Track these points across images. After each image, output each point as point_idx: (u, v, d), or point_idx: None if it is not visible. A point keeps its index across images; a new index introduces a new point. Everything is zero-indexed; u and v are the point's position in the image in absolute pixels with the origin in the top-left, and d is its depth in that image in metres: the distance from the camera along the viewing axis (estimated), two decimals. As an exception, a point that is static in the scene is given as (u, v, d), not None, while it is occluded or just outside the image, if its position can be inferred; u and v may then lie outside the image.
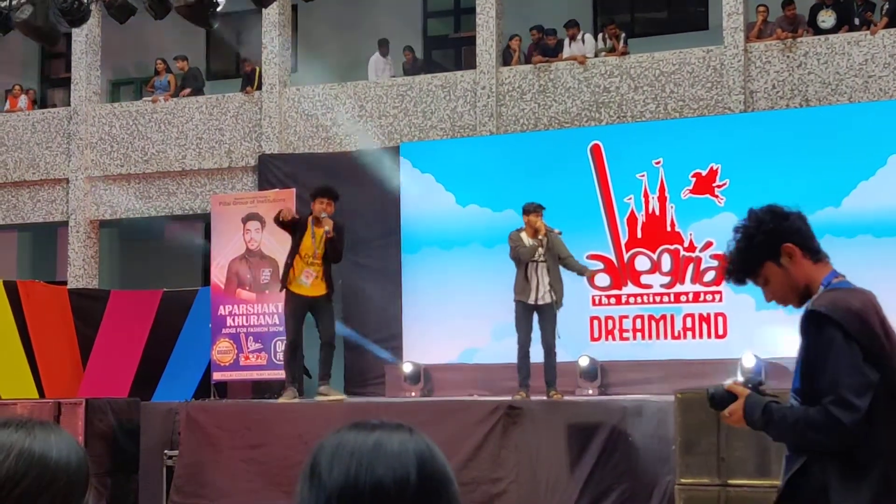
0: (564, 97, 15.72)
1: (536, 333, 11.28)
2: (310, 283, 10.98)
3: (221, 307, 14.67)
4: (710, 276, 13.83)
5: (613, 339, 14.34)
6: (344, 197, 15.41)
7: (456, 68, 18.34)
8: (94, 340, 15.26)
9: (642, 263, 14.36)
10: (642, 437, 9.58)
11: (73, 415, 10.32)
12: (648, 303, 14.25)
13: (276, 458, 9.96)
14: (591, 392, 13.25)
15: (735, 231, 3.96)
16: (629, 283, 14.39)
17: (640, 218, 14.44)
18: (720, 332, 13.54)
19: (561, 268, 11.30)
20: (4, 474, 1.75)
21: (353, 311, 15.70)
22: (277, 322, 13.91)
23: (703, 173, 14.25)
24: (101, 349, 15.16)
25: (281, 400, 11.02)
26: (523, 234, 11.31)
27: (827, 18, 15.24)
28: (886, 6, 14.84)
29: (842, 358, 3.61)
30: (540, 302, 11.16)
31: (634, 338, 14.25)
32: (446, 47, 20.25)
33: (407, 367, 14.55)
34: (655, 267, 14.32)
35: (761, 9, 15.36)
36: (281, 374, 12.51)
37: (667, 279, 14.18)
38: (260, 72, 17.48)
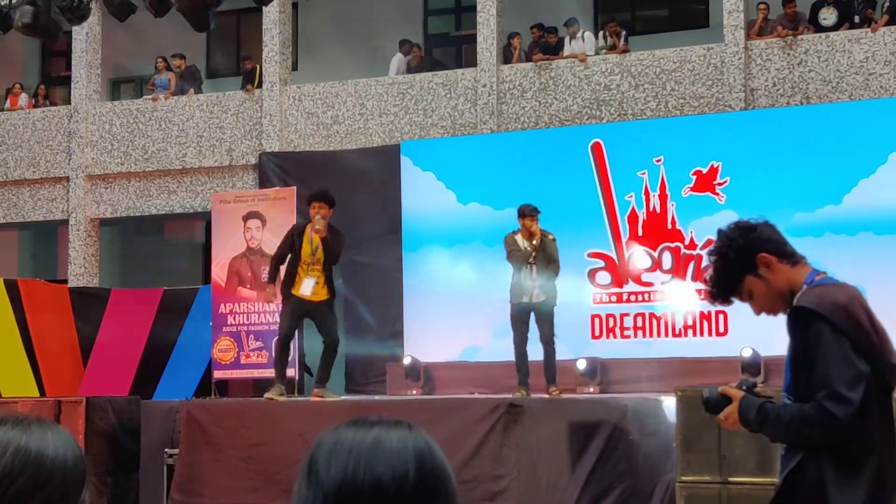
0: (565, 95, 15.71)
1: (535, 333, 11.29)
2: (311, 290, 10.99)
3: (222, 305, 14.66)
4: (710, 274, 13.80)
5: (614, 336, 14.32)
6: (344, 195, 15.44)
7: (457, 66, 18.34)
8: (94, 339, 15.25)
9: (643, 261, 14.35)
10: (643, 435, 9.57)
11: (74, 413, 10.31)
12: (649, 301, 14.24)
13: (277, 457, 9.96)
14: (591, 390, 13.24)
15: (709, 255, 3.99)
16: (630, 281, 14.38)
17: (641, 216, 14.43)
18: (721, 329, 13.52)
19: (565, 267, 11.32)
20: (0, 472, 1.74)
21: (354, 309, 15.69)
22: (278, 320, 13.90)
23: (704, 171, 14.24)
24: (102, 347, 15.16)
25: (267, 396, 11.02)
26: (518, 237, 11.33)
27: (828, 16, 15.23)
28: (887, 4, 14.83)
29: (832, 352, 3.63)
30: (535, 300, 11.18)
31: (635, 336, 14.24)
32: (447, 45, 20.24)
33: (406, 360, 14.53)
34: (656, 265, 14.31)
35: (762, 6, 15.35)
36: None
37: (667, 277, 14.17)
38: (260, 70, 17.48)
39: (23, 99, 19.36)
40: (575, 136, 15.05)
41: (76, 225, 18.08)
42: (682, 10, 18.57)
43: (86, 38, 18.30)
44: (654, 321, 14.11)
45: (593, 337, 14.30)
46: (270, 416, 10.49)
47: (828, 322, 3.66)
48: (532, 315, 11.25)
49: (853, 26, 14.90)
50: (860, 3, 15.08)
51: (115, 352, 14.92)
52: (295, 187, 14.82)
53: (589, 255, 14.37)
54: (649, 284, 14.29)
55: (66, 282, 17.54)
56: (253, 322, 14.53)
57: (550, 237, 11.33)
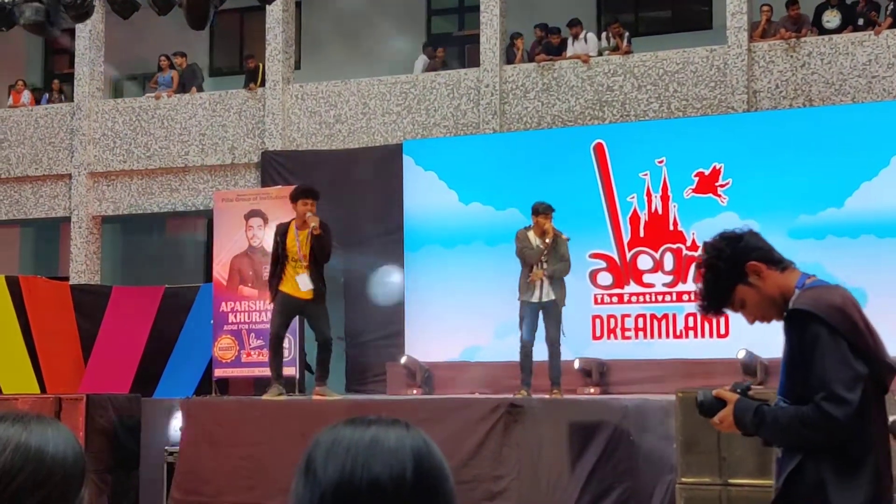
0: (568, 96, 15.71)
1: (541, 333, 11.28)
2: (307, 286, 10.87)
3: (223, 304, 14.66)
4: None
5: (615, 338, 14.33)
6: (346, 194, 15.47)
7: (460, 66, 18.33)
8: (95, 336, 15.25)
9: (645, 262, 14.35)
10: (643, 436, 9.57)
11: (74, 410, 10.31)
12: (650, 302, 14.24)
13: (278, 456, 9.95)
14: (592, 391, 13.24)
15: (697, 268, 3.99)
16: (631, 282, 14.38)
17: (643, 217, 14.43)
18: (722, 331, 13.52)
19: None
20: (0, 469, 1.74)
21: (355, 308, 15.69)
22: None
23: (706, 172, 14.23)
24: (103, 345, 15.16)
25: (266, 397, 10.98)
26: (531, 234, 11.29)
27: (831, 18, 15.23)
28: (891, 6, 14.82)
29: (829, 353, 3.64)
30: (544, 299, 11.17)
31: (636, 337, 14.24)
32: (450, 45, 20.23)
33: (407, 360, 14.54)
34: (658, 266, 14.31)
35: (765, 8, 15.34)
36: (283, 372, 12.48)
37: (669, 278, 14.17)
38: (263, 68, 17.48)
39: (25, 96, 19.36)
40: (577, 137, 15.05)
41: (78, 222, 18.09)
42: (686, 11, 18.56)
43: (89, 36, 18.31)
44: (655, 322, 14.11)
45: (594, 338, 14.30)
46: (271, 415, 10.49)
47: (825, 324, 3.67)
48: (541, 314, 11.24)
49: (856, 29, 14.90)
50: (864, 6, 15.08)
51: (116, 349, 14.92)
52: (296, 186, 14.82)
53: (590, 256, 14.37)
54: (650, 286, 14.29)
55: (67, 279, 17.54)
56: (254, 321, 14.53)
57: (564, 237, 11.31)
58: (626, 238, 14.46)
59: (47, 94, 19.63)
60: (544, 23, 16.61)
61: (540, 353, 11.25)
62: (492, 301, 14.01)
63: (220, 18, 16.75)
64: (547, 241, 11.19)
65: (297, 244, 10.83)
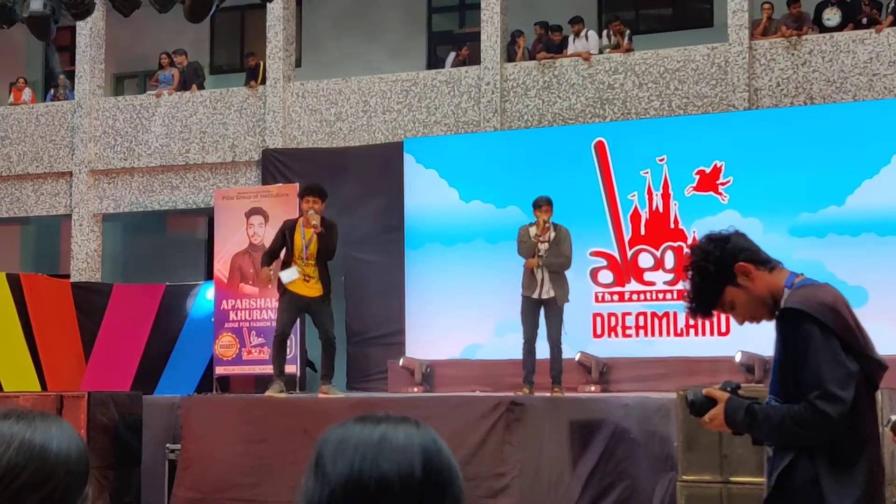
0: (569, 94, 15.71)
1: (544, 330, 11.27)
2: (291, 278, 10.86)
3: (224, 302, 14.68)
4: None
5: (616, 336, 14.33)
6: (347, 192, 15.45)
7: (460, 64, 18.32)
8: (96, 334, 15.26)
9: (645, 260, 14.35)
10: (644, 434, 9.57)
11: (76, 408, 10.30)
12: (651, 300, 14.25)
13: (279, 453, 9.96)
14: (593, 389, 13.25)
15: (685, 271, 3.99)
16: (632, 280, 14.38)
17: (644, 215, 14.43)
18: (723, 329, 13.51)
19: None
20: (4, 466, 1.74)
21: (356, 306, 15.70)
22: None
23: (707, 171, 14.23)
24: (104, 343, 15.17)
25: (268, 394, 11.00)
26: (531, 229, 11.30)
27: (832, 16, 15.22)
28: (892, 4, 14.82)
29: (822, 352, 3.65)
30: (545, 296, 11.16)
31: (637, 335, 14.24)
32: (451, 43, 20.23)
33: (408, 358, 14.56)
34: (658, 264, 14.31)
35: (766, 6, 15.34)
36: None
37: (670, 276, 14.16)
38: (264, 66, 17.48)
39: (26, 93, 19.36)
40: (578, 135, 15.05)
41: (79, 220, 18.09)
42: (687, 9, 18.56)
43: (90, 34, 18.31)
44: (656, 320, 14.11)
45: (595, 336, 14.30)
46: (272, 413, 10.49)
47: (817, 322, 3.68)
48: (542, 311, 11.23)
49: (857, 27, 14.89)
50: (865, 4, 15.07)
51: (117, 347, 14.93)
52: (298, 184, 14.80)
53: (591, 254, 14.37)
54: (651, 284, 14.29)
55: (68, 277, 17.55)
56: (255, 318, 14.55)
57: (565, 230, 11.27)
58: (626, 236, 14.46)
59: (52, 90, 19.64)
60: (545, 21, 16.61)
61: (543, 350, 11.25)
62: (493, 299, 14.01)
63: (221, 16, 16.79)
64: (548, 235, 11.16)
65: (304, 242, 10.84)
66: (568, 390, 11.74)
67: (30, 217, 19.13)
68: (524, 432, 9.58)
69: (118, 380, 14.22)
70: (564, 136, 15.18)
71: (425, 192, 15.39)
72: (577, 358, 13.37)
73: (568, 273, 11.43)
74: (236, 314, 14.62)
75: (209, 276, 16.08)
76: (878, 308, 13.17)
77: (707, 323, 13.71)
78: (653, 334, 14.14)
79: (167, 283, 15.65)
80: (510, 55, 16.44)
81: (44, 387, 14.31)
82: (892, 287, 13.21)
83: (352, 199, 15.46)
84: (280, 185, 15.52)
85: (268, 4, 15.48)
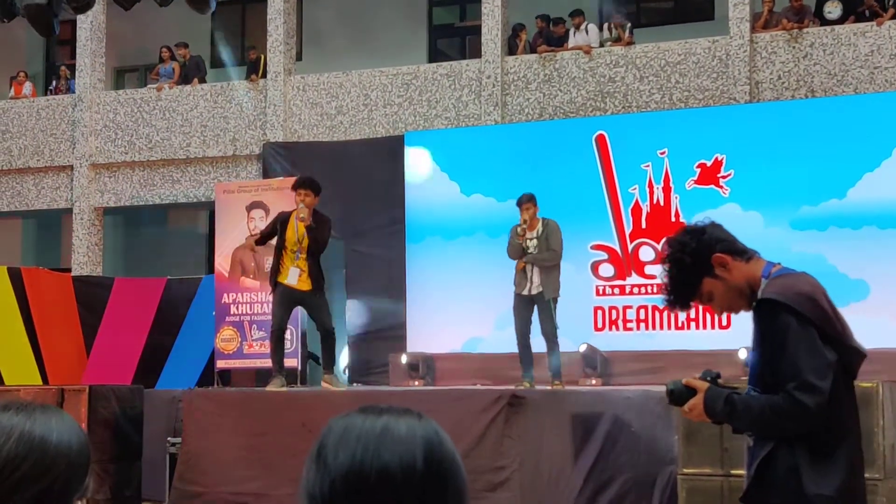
0: (569, 87, 15.70)
1: (537, 325, 11.26)
2: (296, 279, 10.86)
3: (225, 295, 14.67)
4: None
5: (617, 329, 14.33)
6: (348, 186, 15.45)
7: (461, 57, 18.32)
8: (97, 328, 15.26)
9: (646, 254, 14.34)
10: (645, 427, 9.57)
11: (77, 402, 10.31)
12: (652, 293, 14.24)
13: (279, 447, 9.96)
14: (594, 382, 13.25)
15: (663, 264, 4.00)
16: (633, 274, 14.38)
17: (645, 208, 14.42)
18: (724, 322, 13.50)
19: (563, 259, 11.25)
20: (4, 457, 1.74)
21: (357, 299, 15.70)
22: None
23: (708, 164, 14.22)
24: (105, 336, 15.17)
25: (268, 388, 11.00)
26: (520, 228, 11.24)
27: (833, 9, 15.21)
28: (893, -3, 14.81)
29: (800, 342, 3.65)
30: (534, 292, 11.11)
31: (638, 328, 14.24)
32: (451, 36, 20.22)
33: (409, 351, 14.56)
34: (659, 257, 14.27)
35: (767, -1, 15.34)
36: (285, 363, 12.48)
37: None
38: (265, 60, 17.46)
39: (27, 87, 19.36)
40: (579, 128, 15.03)
41: (80, 214, 18.09)
42: (687, 2, 18.54)
43: (90, 27, 18.30)
44: (657, 314, 14.10)
45: (596, 329, 14.30)
46: (273, 406, 10.49)
47: (794, 312, 3.68)
48: (535, 307, 11.21)
49: (859, 19, 14.87)
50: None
51: (118, 341, 14.93)
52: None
53: (592, 248, 14.36)
54: (652, 277, 14.28)
55: (69, 270, 17.56)
56: (256, 312, 14.54)
57: (554, 224, 11.20)
58: (627, 229, 14.45)
59: (55, 81, 19.63)
60: (546, 14, 16.58)
61: (540, 345, 11.23)
62: (493, 292, 13.99)
63: (222, 10, 16.78)
64: (535, 231, 11.10)
65: (296, 236, 10.82)
66: (569, 383, 11.73)
67: (31, 211, 19.13)
68: (524, 425, 9.58)
69: (119, 373, 14.22)
70: (565, 130, 15.17)
71: (426, 186, 15.38)
72: (581, 349, 13.36)
73: (569, 267, 11.41)
74: (237, 308, 14.62)
75: (210, 269, 16.08)
76: (880, 301, 13.18)
77: (708, 316, 13.71)
78: (654, 328, 14.14)
79: (168, 277, 15.65)
80: (511, 48, 16.42)
81: (45, 380, 14.32)
82: (893, 280, 13.21)
83: (352, 192, 15.46)
84: (281, 178, 15.50)
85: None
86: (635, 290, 14.33)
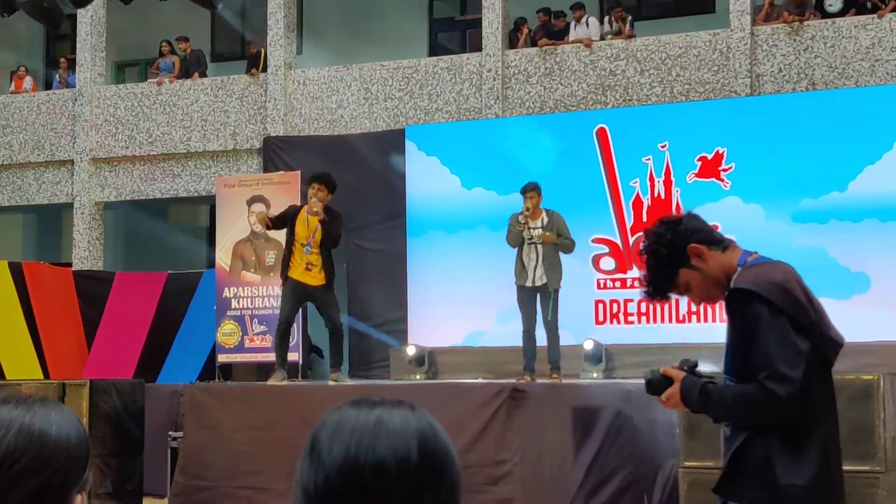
0: (570, 80, 15.68)
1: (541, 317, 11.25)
2: (310, 272, 10.85)
3: (226, 289, 14.68)
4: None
5: (618, 322, 14.33)
6: (349, 180, 15.43)
7: (461, 51, 18.30)
8: (98, 322, 15.27)
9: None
10: (646, 420, 9.57)
11: (78, 396, 10.30)
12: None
13: (280, 440, 9.96)
14: (595, 375, 13.25)
15: (640, 255, 4.01)
16: (634, 267, 14.37)
17: (646, 201, 14.42)
18: (725, 315, 13.50)
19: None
20: (4, 451, 1.73)
21: (357, 294, 15.70)
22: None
23: (709, 157, 14.21)
24: (106, 331, 15.18)
25: (270, 382, 11.00)
26: (520, 217, 11.22)
27: (834, 2, 15.18)
28: (894, -10, 14.78)
29: (771, 332, 3.64)
30: (538, 283, 11.10)
31: (639, 321, 14.24)
32: (452, 30, 20.21)
33: (410, 345, 14.57)
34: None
35: (768, -8, 15.31)
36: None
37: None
38: (265, 54, 17.45)
39: (27, 82, 19.34)
40: (580, 122, 15.02)
41: (81, 208, 18.09)
42: (688, -5, 18.51)
43: (90, 22, 18.29)
44: (658, 307, 14.09)
45: (597, 322, 14.30)
46: (274, 400, 10.50)
47: (766, 302, 3.67)
48: (538, 297, 11.20)
49: (860, 12, 14.85)
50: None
51: (120, 335, 14.94)
52: (299, 171, 14.82)
53: (593, 241, 14.36)
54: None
55: (70, 265, 17.55)
56: (257, 306, 14.55)
57: (559, 215, 11.20)
58: (628, 223, 14.44)
59: (57, 75, 19.62)
60: (547, 7, 16.56)
61: (542, 337, 11.24)
62: (494, 286, 13.98)
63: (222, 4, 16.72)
64: (539, 221, 11.09)
65: (308, 230, 10.79)
66: (570, 376, 11.73)
67: (32, 205, 19.13)
68: (526, 419, 9.58)
69: (120, 368, 14.23)
70: (566, 123, 15.16)
71: (427, 180, 15.38)
72: (586, 347, 13.35)
73: (569, 259, 11.39)
74: (238, 302, 14.63)
75: (211, 264, 16.08)
76: (880, 294, 13.18)
77: (709, 309, 13.70)
78: (655, 321, 14.14)
79: (169, 272, 15.65)
80: (512, 42, 16.41)
81: (46, 375, 14.33)
82: (894, 273, 13.20)
83: (353, 186, 15.45)
84: (281, 172, 15.52)
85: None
86: (636, 283, 14.27)
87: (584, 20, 16.03)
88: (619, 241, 14.46)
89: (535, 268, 11.08)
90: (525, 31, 16.45)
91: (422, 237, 15.35)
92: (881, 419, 7.09)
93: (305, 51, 19.14)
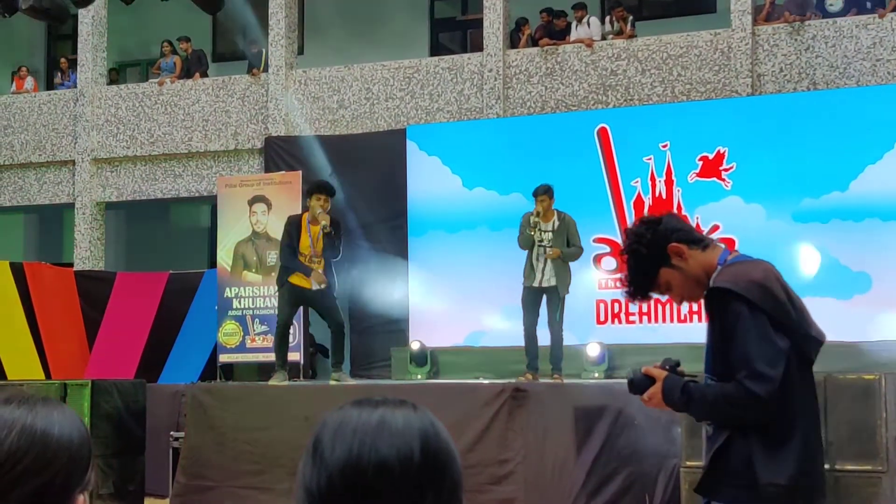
0: (571, 80, 15.68)
1: (545, 318, 11.25)
2: (318, 283, 10.85)
3: (227, 289, 14.68)
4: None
5: (619, 322, 14.33)
6: (350, 180, 15.46)
7: (462, 51, 18.30)
8: (100, 322, 15.27)
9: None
10: (648, 420, 9.57)
11: (79, 396, 10.30)
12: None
13: (282, 441, 9.96)
14: (596, 375, 13.25)
15: (621, 256, 4.01)
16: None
17: (647, 201, 14.41)
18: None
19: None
20: (6, 451, 1.73)
21: (359, 293, 15.69)
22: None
23: (710, 157, 14.21)
24: (108, 331, 15.18)
25: (270, 383, 11.01)
26: (532, 218, 11.25)
27: (835, 2, 15.18)
28: (895, -11, 14.78)
29: (750, 330, 3.64)
30: (545, 284, 11.12)
31: (640, 321, 14.24)
32: (453, 30, 20.20)
33: (411, 345, 14.57)
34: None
35: (769, -9, 15.30)
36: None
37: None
38: (266, 54, 17.45)
39: (28, 82, 19.34)
40: (581, 122, 15.02)
41: (82, 208, 18.10)
42: (689, -5, 18.51)
43: (92, 22, 18.29)
44: (660, 307, 14.09)
45: (598, 322, 14.30)
46: (275, 400, 10.50)
47: (745, 300, 3.66)
48: (544, 298, 11.21)
49: (861, 12, 14.84)
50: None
51: (121, 335, 14.94)
52: (300, 172, 14.83)
53: (594, 241, 14.35)
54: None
55: (71, 265, 17.55)
56: (258, 306, 14.55)
57: (570, 218, 11.21)
58: (630, 222, 14.41)
59: (59, 73, 19.62)
60: (549, 7, 16.55)
61: (545, 337, 11.24)
62: (496, 286, 14.00)
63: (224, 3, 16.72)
64: (551, 224, 11.11)
65: (310, 240, 10.80)
66: (572, 377, 11.73)
67: (33, 206, 19.13)
68: (528, 419, 9.58)
69: (122, 368, 14.23)
70: (567, 123, 15.16)
71: (428, 180, 15.38)
72: (591, 353, 13.35)
73: (575, 260, 11.41)
74: (239, 302, 14.63)
75: (212, 263, 16.08)
76: (882, 294, 13.17)
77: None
78: (656, 321, 14.14)
79: (170, 272, 15.66)
80: (514, 42, 16.40)
81: (47, 375, 14.33)
82: (895, 273, 13.20)
83: (354, 186, 15.46)
84: (283, 172, 15.51)
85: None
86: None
87: (585, 20, 16.03)
88: (620, 241, 14.42)
89: (544, 269, 11.10)
90: (526, 31, 16.45)
91: (423, 237, 15.36)
92: (883, 419, 7.09)
93: (307, 51, 19.14)
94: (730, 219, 13.87)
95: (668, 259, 3.87)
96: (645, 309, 14.16)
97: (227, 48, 20.60)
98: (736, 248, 14.11)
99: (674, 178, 14.33)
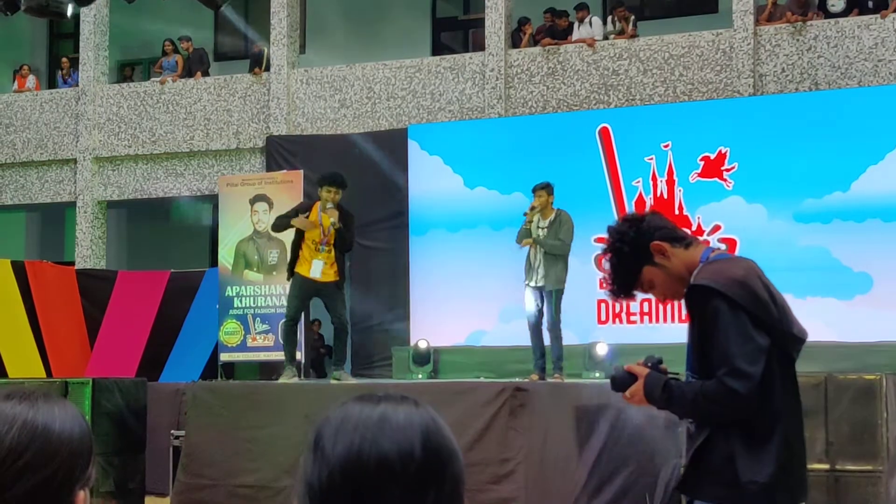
0: (573, 80, 15.68)
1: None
2: (320, 271, 10.76)
3: (229, 288, 14.68)
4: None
5: (621, 322, 14.33)
6: (352, 179, 15.42)
7: (464, 50, 18.30)
8: (101, 321, 15.28)
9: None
10: (649, 419, 9.57)
11: (80, 394, 10.31)
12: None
13: (282, 439, 9.96)
14: (597, 375, 13.25)
15: (604, 253, 3.99)
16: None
17: (649, 201, 14.41)
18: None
19: (571, 252, 11.22)
20: (7, 447, 1.74)
21: (360, 292, 15.70)
22: (285, 303, 13.88)
23: (712, 157, 14.21)
24: (109, 329, 15.19)
25: (281, 380, 10.97)
26: (529, 212, 11.23)
27: (837, 2, 15.18)
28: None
29: (730, 328, 3.63)
30: (540, 283, 11.10)
31: (642, 321, 14.23)
32: (455, 29, 20.20)
33: (412, 344, 14.57)
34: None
35: (771, -8, 15.30)
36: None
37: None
38: (268, 53, 17.45)
39: (30, 81, 19.35)
40: (583, 121, 15.03)
41: (83, 207, 18.10)
42: (691, -5, 18.51)
43: (93, 21, 18.29)
44: (661, 306, 14.08)
45: (599, 322, 14.30)
46: (276, 399, 10.49)
47: (724, 298, 3.65)
48: (542, 297, 11.20)
49: (863, 12, 14.84)
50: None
51: (122, 334, 14.95)
52: (302, 171, 14.84)
53: (596, 241, 14.33)
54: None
55: (73, 264, 17.56)
56: (259, 305, 14.56)
57: (566, 215, 11.17)
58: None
59: (60, 72, 19.63)
60: (552, 7, 16.55)
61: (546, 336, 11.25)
62: (497, 285, 14.00)
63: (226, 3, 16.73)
64: (547, 220, 11.08)
65: (321, 229, 10.62)
66: (572, 377, 11.73)
67: (35, 204, 19.13)
68: (529, 418, 9.58)
69: (123, 366, 14.23)
70: (569, 123, 15.16)
71: (430, 179, 15.38)
72: (599, 351, 13.34)
73: (571, 259, 11.37)
74: (241, 301, 14.64)
75: (213, 262, 16.09)
76: (884, 294, 13.17)
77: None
78: (657, 320, 14.14)
79: (172, 270, 15.66)
80: (515, 42, 16.40)
81: (49, 373, 14.34)
82: (896, 273, 13.20)
83: (356, 185, 15.44)
84: (284, 171, 15.52)
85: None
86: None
87: (587, 20, 16.03)
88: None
89: (538, 268, 11.08)
90: (528, 30, 16.45)
91: (424, 236, 15.36)
92: (884, 419, 7.10)
93: (309, 50, 19.14)
94: (731, 219, 13.88)
95: (651, 257, 3.86)
96: (646, 309, 14.17)
97: (229, 47, 20.61)
98: (737, 248, 14.15)
99: (675, 177, 14.33)
